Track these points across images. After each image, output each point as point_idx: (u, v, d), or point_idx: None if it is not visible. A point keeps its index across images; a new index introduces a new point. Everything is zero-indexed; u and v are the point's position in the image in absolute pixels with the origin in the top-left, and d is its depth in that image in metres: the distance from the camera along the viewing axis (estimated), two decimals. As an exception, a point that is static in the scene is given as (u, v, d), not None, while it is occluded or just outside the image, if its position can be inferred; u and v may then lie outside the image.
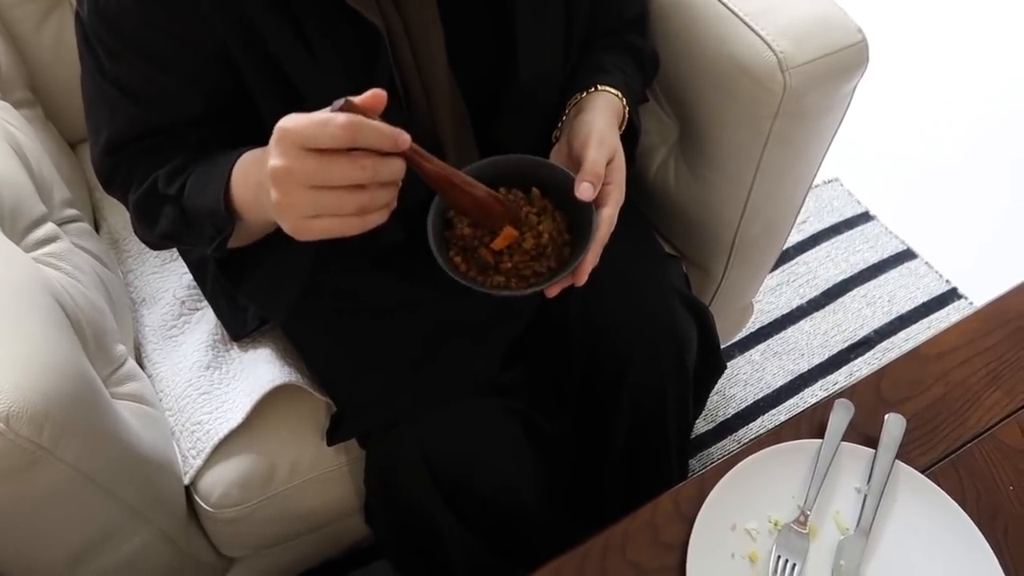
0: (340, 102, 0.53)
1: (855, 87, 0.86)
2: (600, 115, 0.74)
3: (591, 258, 0.67)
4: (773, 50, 0.80)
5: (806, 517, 0.73)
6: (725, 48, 0.83)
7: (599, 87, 0.77)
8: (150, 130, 0.72)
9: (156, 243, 0.80)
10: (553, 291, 0.67)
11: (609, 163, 0.69)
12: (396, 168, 0.54)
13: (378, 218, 0.56)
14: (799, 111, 0.83)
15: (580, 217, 0.68)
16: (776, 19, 0.82)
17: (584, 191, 0.66)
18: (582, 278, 0.67)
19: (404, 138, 0.53)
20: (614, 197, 0.69)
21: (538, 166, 0.70)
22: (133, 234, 1.03)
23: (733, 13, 0.83)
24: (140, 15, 0.66)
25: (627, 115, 0.78)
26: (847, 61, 0.82)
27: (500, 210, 0.65)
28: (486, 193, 0.64)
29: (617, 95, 0.77)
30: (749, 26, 0.82)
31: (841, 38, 0.82)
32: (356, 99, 0.53)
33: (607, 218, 0.68)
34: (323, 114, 0.52)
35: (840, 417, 0.78)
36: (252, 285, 0.79)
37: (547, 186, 0.69)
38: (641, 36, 0.87)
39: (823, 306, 1.48)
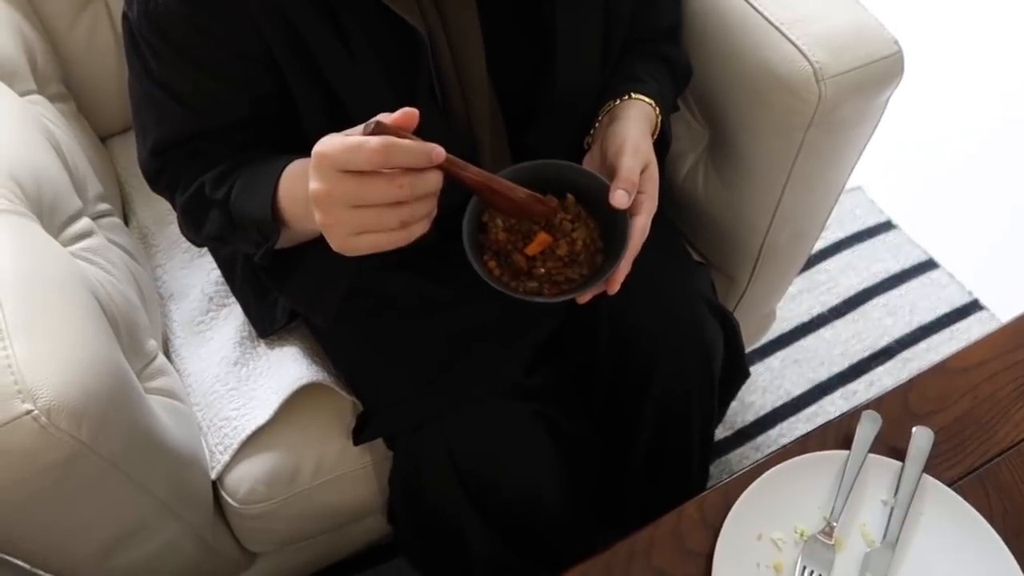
0: (372, 123, 0.54)
1: (889, 98, 0.86)
2: (634, 124, 0.74)
3: (624, 267, 0.67)
4: (809, 60, 0.80)
5: (832, 528, 0.73)
6: (760, 57, 0.83)
7: (633, 95, 0.77)
8: (197, 133, 0.73)
9: (203, 243, 0.82)
10: (585, 298, 0.67)
11: (643, 172, 0.69)
12: (432, 181, 0.55)
13: (421, 229, 0.57)
14: (833, 122, 0.83)
15: (613, 225, 0.68)
16: (812, 29, 0.82)
17: (619, 199, 0.66)
18: (615, 287, 0.67)
19: (438, 152, 0.54)
20: (647, 206, 0.69)
21: (573, 172, 0.70)
22: (162, 230, 1.05)
23: (768, 21, 0.83)
24: (187, 20, 0.66)
25: (660, 124, 0.79)
26: (882, 72, 0.82)
27: (542, 209, 0.66)
28: (526, 195, 0.65)
29: (651, 104, 0.77)
30: (784, 35, 0.82)
31: (877, 49, 0.82)
32: (387, 119, 0.54)
33: (640, 227, 0.68)
34: (356, 138, 0.53)
35: (867, 429, 0.78)
36: (296, 287, 0.80)
37: (581, 193, 0.70)
38: (675, 46, 0.87)
39: (844, 314, 1.48)
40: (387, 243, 0.57)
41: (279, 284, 0.80)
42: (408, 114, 0.55)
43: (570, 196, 0.70)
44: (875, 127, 0.90)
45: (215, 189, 0.72)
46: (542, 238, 0.67)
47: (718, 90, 0.90)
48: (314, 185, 0.55)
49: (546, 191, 0.69)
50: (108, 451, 0.65)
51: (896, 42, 0.83)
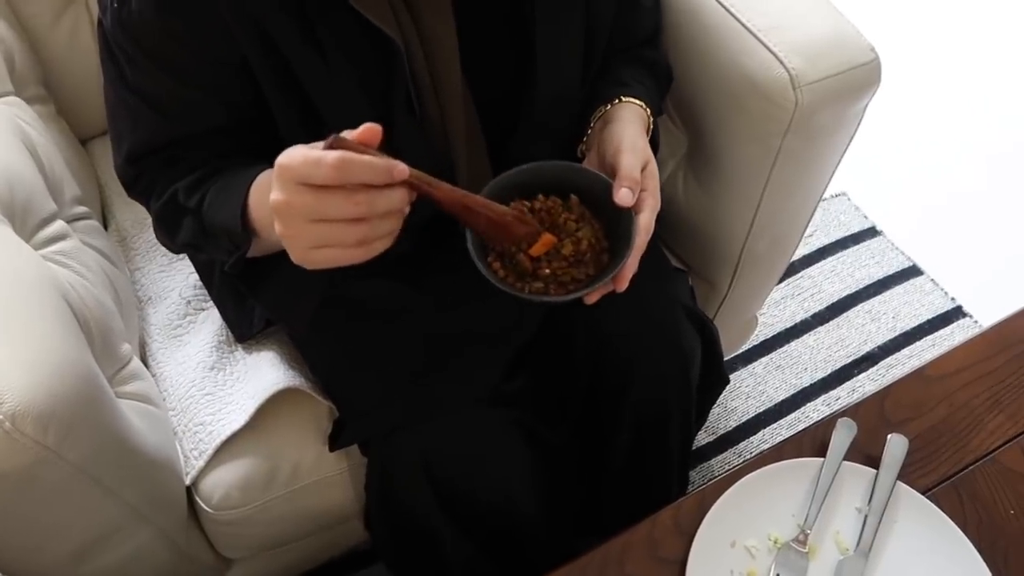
0: (332, 138, 0.53)
1: (866, 106, 0.86)
2: (629, 124, 0.74)
3: (631, 264, 0.67)
4: (785, 67, 0.80)
5: (806, 536, 0.73)
6: (737, 63, 0.83)
7: (623, 99, 0.77)
8: (173, 140, 0.73)
9: (178, 250, 0.81)
10: (592, 298, 0.67)
11: (643, 170, 0.69)
12: (394, 200, 0.54)
13: (382, 246, 0.56)
14: (810, 128, 0.83)
15: (617, 224, 0.68)
16: (789, 36, 0.82)
17: (623, 197, 0.66)
18: (623, 284, 0.67)
19: (400, 169, 0.53)
20: (650, 203, 0.69)
21: (576, 172, 0.70)
22: (141, 232, 1.05)
23: (746, 28, 0.83)
24: (162, 27, 0.66)
25: (651, 126, 0.79)
26: (859, 80, 0.82)
27: (522, 230, 0.65)
28: (506, 212, 0.64)
29: (641, 106, 0.78)
30: (762, 42, 0.82)
31: (854, 56, 0.82)
32: (350, 134, 0.54)
33: (645, 224, 0.68)
34: (316, 152, 0.53)
35: (842, 436, 0.78)
36: (270, 294, 0.79)
37: (584, 193, 0.70)
38: (655, 50, 0.87)
39: (827, 320, 1.48)
40: (344, 259, 0.56)
41: (254, 291, 0.80)
42: (369, 130, 0.54)
43: (574, 196, 0.70)
44: (853, 134, 0.90)
45: (188, 196, 0.71)
46: (546, 239, 0.66)
47: (696, 96, 0.90)
48: (275, 196, 0.55)
49: (550, 192, 0.69)
50: (76, 456, 0.64)
51: (873, 49, 0.83)
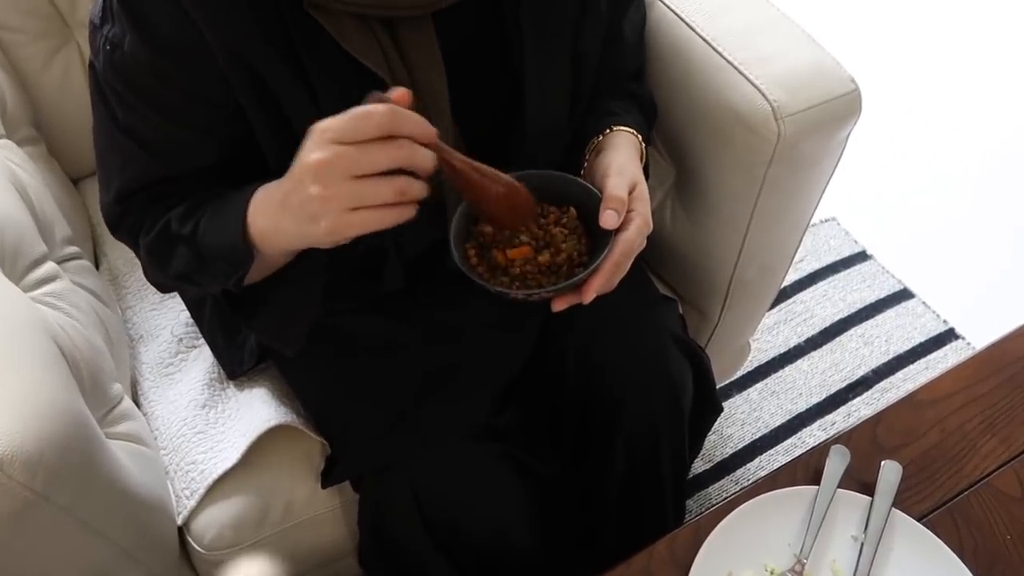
0: (376, 95, 0.56)
1: (848, 135, 0.88)
2: (619, 151, 0.75)
3: (599, 279, 0.67)
4: (767, 99, 0.81)
5: (802, 566, 0.73)
6: (721, 96, 0.85)
7: (614, 128, 0.78)
8: (163, 179, 0.73)
9: (168, 284, 0.81)
10: (558, 305, 0.67)
11: (631, 192, 0.70)
12: (430, 156, 0.57)
13: (411, 211, 0.58)
14: (793, 158, 0.84)
15: (604, 245, 0.68)
16: (771, 69, 0.84)
17: (608, 219, 0.66)
18: (588, 295, 0.67)
19: (433, 130, 0.57)
20: (636, 223, 0.69)
21: (576, 187, 0.71)
22: (133, 271, 1.05)
23: (729, 63, 0.85)
24: (153, 68, 0.66)
25: (644, 152, 0.79)
26: (840, 110, 0.83)
27: (524, 198, 0.67)
28: (510, 182, 0.66)
29: (632, 132, 0.79)
30: (744, 75, 0.83)
31: (834, 88, 0.83)
32: (389, 94, 0.56)
33: (625, 240, 0.67)
34: (362, 108, 0.55)
35: (836, 464, 0.78)
36: (264, 319, 0.79)
37: (581, 207, 0.71)
38: (639, 86, 0.88)
39: (821, 345, 1.49)
40: (378, 221, 0.58)
41: (247, 317, 0.80)
42: (405, 93, 0.57)
43: (572, 209, 0.71)
44: (836, 163, 0.91)
45: (182, 224, 0.71)
46: (524, 249, 0.68)
47: (682, 129, 0.91)
48: (316, 155, 0.56)
49: (552, 202, 0.71)
50: (65, 500, 0.64)
51: (853, 80, 0.84)
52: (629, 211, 0.69)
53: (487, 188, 0.64)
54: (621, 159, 0.73)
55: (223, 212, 0.69)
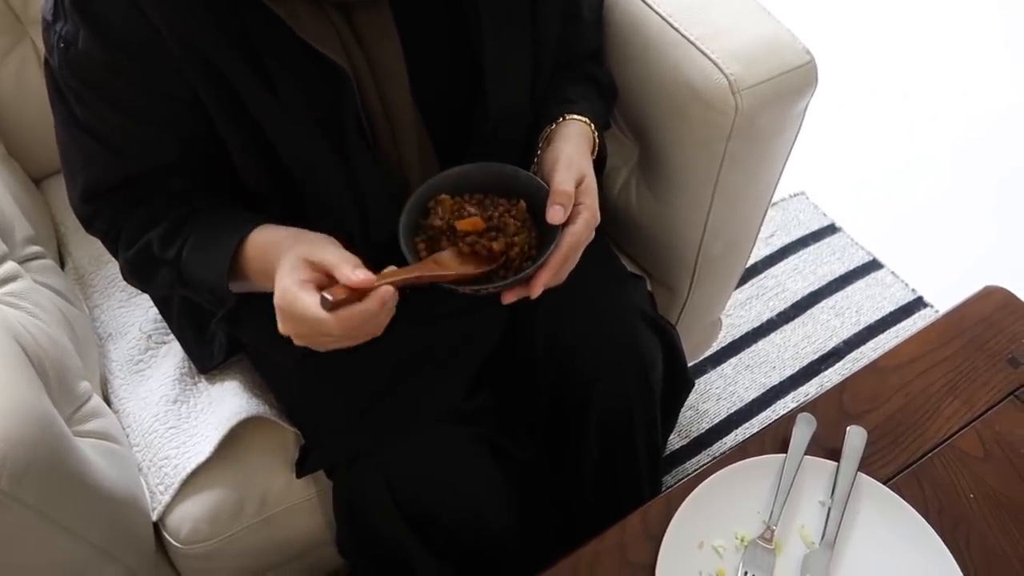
0: (325, 302, 0.61)
1: (806, 107, 0.88)
2: (569, 142, 0.75)
3: (547, 273, 0.68)
4: (724, 73, 0.82)
5: (772, 532, 0.74)
6: (678, 72, 0.85)
7: (567, 117, 0.78)
8: (128, 178, 0.73)
9: (151, 294, 0.82)
10: (508, 297, 0.68)
11: (579, 186, 0.70)
12: (384, 318, 0.64)
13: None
14: (751, 132, 0.85)
15: (552, 239, 0.69)
16: (726, 43, 0.84)
17: (554, 214, 0.67)
18: (536, 290, 0.68)
19: (387, 292, 0.62)
20: (583, 216, 0.70)
21: (525, 180, 0.72)
22: (98, 270, 1.04)
23: (685, 38, 0.85)
24: (108, 64, 0.66)
25: (597, 141, 0.80)
26: (796, 82, 0.84)
27: (481, 266, 0.70)
28: (457, 276, 0.69)
29: (585, 122, 0.79)
30: (700, 50, 0.84)
31: (790, 60, 0.84)
32: (339, 292, 0.61)
33: (572, 233, 0.68)
34: (317, 316, 0.61)
35: (803, 431, 0.80)
36: (256, 335, 0.80)
37: (530, 200, 0.71)
38: (598, 66, 0.88)
39: (793, 318, 1.50)
40: (351, 347, 0.65)
41: (239, 332, 0.81)
42: (364, 281, 0.61)
43: (522, 202, 0.71)
44: (796, 135, 0.92)
45: (164, 248, 0.72)
46: (475, 220, 0.69)
47: (642, 106, 0.92)
48: (283, 327, 0.65)
49: (500, 193, 0.72)
50: (33, 499, 0.63)
51: (808, 52, 0.85)
52: (577, 204, 0.69)
53: (445, 276, 0.67)
54: (569, 150, 0.73)
55: (206, 247, 0.71)
